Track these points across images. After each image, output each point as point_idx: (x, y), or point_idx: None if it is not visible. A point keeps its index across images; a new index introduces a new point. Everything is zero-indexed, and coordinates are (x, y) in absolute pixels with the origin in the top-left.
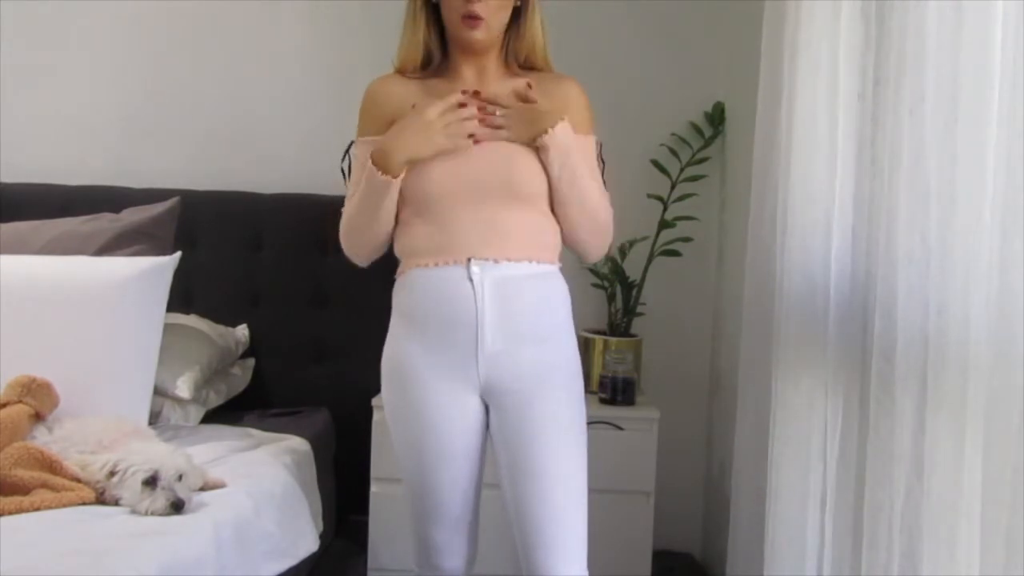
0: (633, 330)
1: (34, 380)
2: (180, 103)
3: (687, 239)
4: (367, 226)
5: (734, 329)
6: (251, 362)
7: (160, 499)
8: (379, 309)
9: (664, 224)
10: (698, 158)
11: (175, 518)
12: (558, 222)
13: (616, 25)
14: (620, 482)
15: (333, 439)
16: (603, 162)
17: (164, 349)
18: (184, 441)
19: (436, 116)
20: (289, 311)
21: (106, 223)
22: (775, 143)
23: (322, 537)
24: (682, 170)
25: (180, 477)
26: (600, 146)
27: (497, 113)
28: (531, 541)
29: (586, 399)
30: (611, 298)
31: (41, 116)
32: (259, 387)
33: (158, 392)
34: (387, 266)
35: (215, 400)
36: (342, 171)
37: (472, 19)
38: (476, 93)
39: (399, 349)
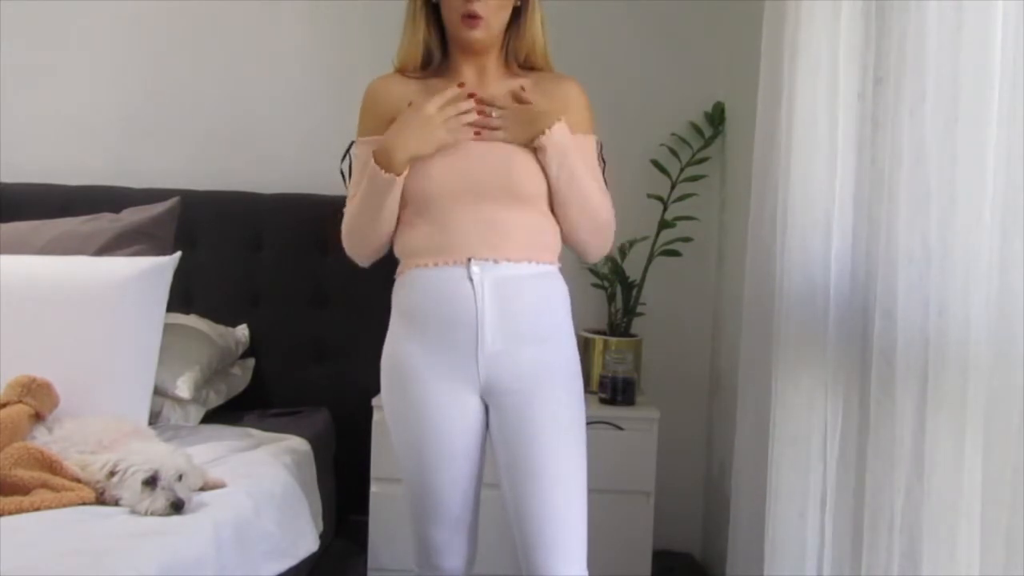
0: (633, 330)
1: (34, 380)
2: (180, 103)
3: (687, 239)
4: (369, 226)
5: (734, 329)
6: (251, 362)
7: (160, 499)
8: (379, 309)
9: (664, 224)
10: (698, 158)
11: (175, 518)
12: (558, 222)
13: (616, 25)
14: (620, 482)
15: (333, 439)
16: (604, 161)
17: (164, 349)
18: (184, 441)
19: (435, 111)
20: (289, 311)
21: (106, 223)
22: (775, 143)
23: (322, 537)
24: (682, 170)
25: (180, 477)
26: (601, 146)
27: (493, 115)
28: (531, 541)
29: (586, 399)
30: (611, 298)
31: (41, 116)
32: (259, 387)
33: (158, 392)
34: (387, 266)
35: (215, 400)
36: (341, 172)
37: (472, 18)
38: (472, 95)
39: (399, 349)
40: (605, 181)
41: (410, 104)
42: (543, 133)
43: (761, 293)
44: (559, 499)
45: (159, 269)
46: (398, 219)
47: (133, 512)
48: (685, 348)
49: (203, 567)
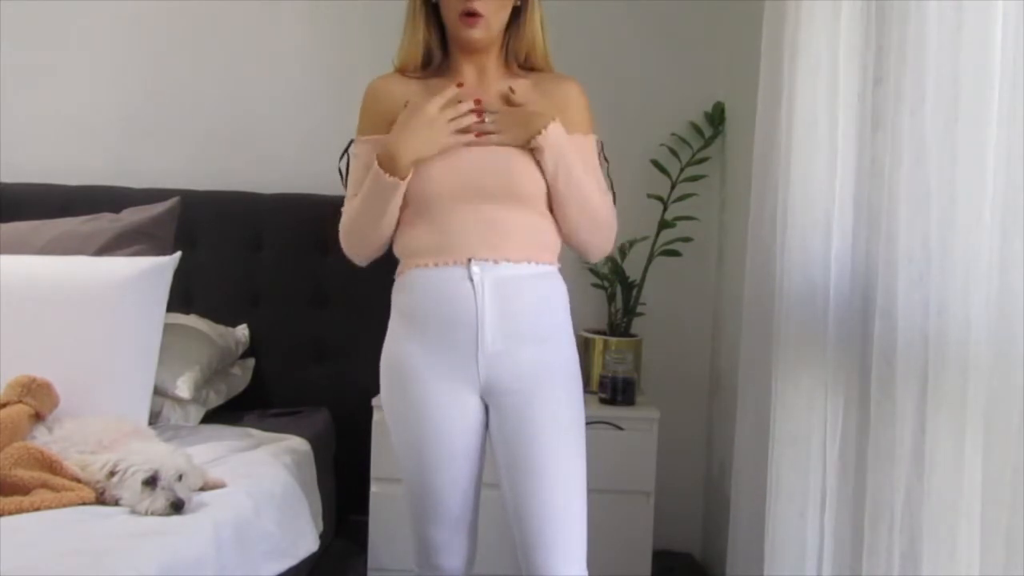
0: (633, 330)
1: (34, 380)
2: (180, 103)
3: (687, 239)
4: (371, 228)
5: (734, 329)
6: (251, 362)
7: (160, 499)
8: (379, 309)
9: (664, 224)
10: (698, 158)
11: (175, 518)
12: (558, 223)
13: (616, 25)
14: (620, 482)
15: (333, 439)
16: (607, 161)
17: (164, 349)
18: (184, 441)
19: (437, 112)
20: (289, 311)
21: (106, 223)
22: (775, 143)
23: (322, 537)
24: (682, 170)
25: (180, 477)
26: (602, 145)
27: (487, 119)
28: (531, 541)
29: (586, 399)
30: (611, 298)
31: (41, 116)
32: (259, 387)
33: (158, 392)
34: (387, 266)
35: (215, 400)
36: (339, 171)
37: (471, 17)
38: (476, 101)
39: (399, 349)
40: (610, 180)
41: (407, 105)
42: (539, 133)
43: (761, 293)
44: (559, 499)
45: (159, 269)
46: (398, 219)
47: (133, 512)
48: (685, 348)
49: (203, 567)
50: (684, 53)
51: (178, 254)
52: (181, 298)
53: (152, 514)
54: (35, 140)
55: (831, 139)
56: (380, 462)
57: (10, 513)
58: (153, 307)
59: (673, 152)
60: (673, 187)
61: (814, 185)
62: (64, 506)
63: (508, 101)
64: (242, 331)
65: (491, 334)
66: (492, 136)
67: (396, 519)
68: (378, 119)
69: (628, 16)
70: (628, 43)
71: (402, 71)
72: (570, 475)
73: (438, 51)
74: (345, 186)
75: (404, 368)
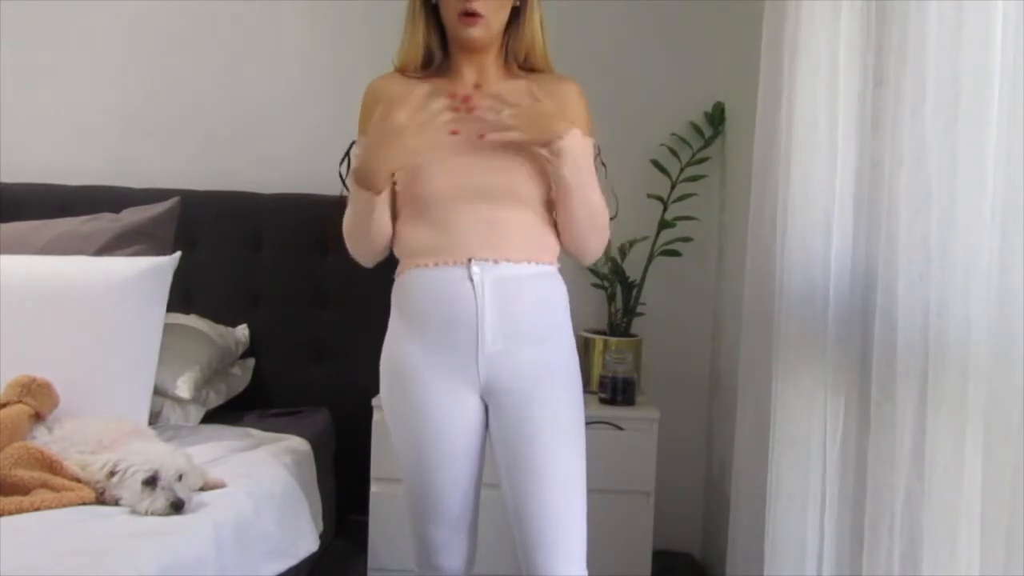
0: (633, 330)
1: (34, 380)
2: (180, 103)
3: (687, 239)
4: (364, 235)
5: (734, 329)
6: (251, 362)
7: (160, 499)
8: (379, 309)
9: (664, 224)
10: (698, 158)
11: (175, 518)
12: (561, 226)
13: (616, 25)
14: (620, 482)
15: (333, 439)
16: (604, 165)
17: (164, 349)
18: (184, 441)
19: (406, 119)
20: (289, 311)
21: (106, 223)
22: (775, 143)
23: (322, 537)
24: (682, 170)
25: (180, 477)
26: (598, 149)
27: (504, 113)
28: (531, 541)
29: (586, 399)
30: (611, 298)
31: (41, 116)
32: (259, 387)
33: (158, 392)
34: (387, 266)
35: (215, 400)
36: (340, 174)
37: (470, 16)
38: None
39: (399, 349)
40: (610, 184)
41: (379, 113)
42: (560, 138)
43: (761, 293)
44: (559, 499)
45: (159, 269)
46: (398, 219)
47: (133, 512)
48: (685, 348)
49: (203, 567)
50: (684, 53)
51: (178, 254)
52: (181, 298)
53: (152, 514)
54: (35, 140)
55: (831, 139)
56: (380, 462)
57: (10, 513)
58: (153, 307)
59: (673, 152)
60: (673, 187)
61: (814, 185)
62: (64, 506)
63: (526, 98)
64: (242, 331)
65: (491, 334)
66: (510, 133)
67: (396, 519)
68: None
69: (628, 16)
70: (628, 43)
71: (402, 71)
72: (570, 475)
73: (438, 51)
74: (346, 189)
75: (404, 368)
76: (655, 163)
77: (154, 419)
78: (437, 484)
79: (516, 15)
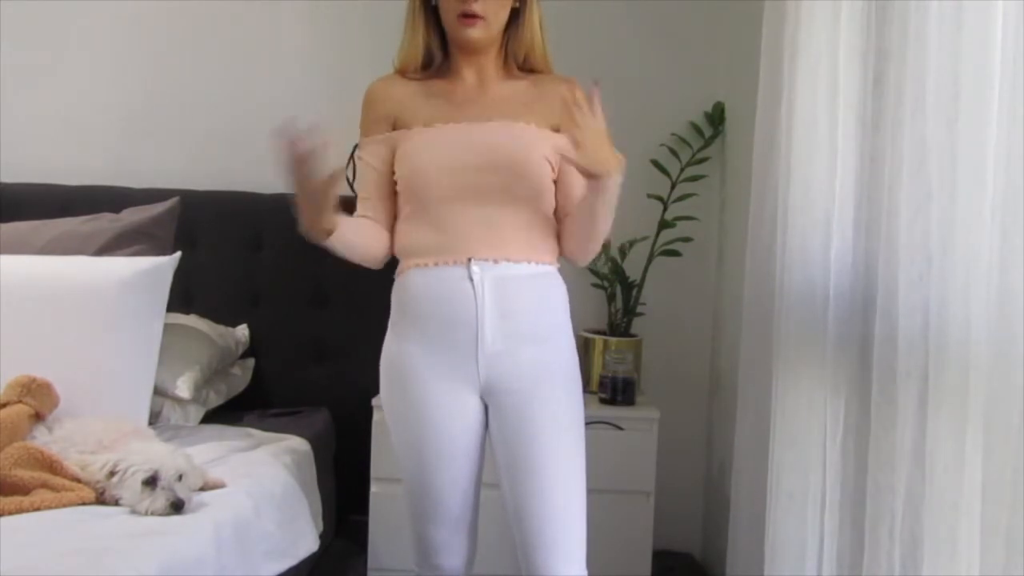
0: (633, 330)
1: (34, 380)
2: (180, 103)
3: (687, 239)
4: (356, 259)
5: (734, 329)
6: (251, 362)
7: (160, 499)
8: (379, 309)
9: (664, 224)
10: (698, 158)
11: (175, 518)
12: (567, 233)
13: (616, 25)
14: (620, 482)
15: (333, 439)
16: None
17: (164, 349)
18: (184, 441)
19: (289, 182)
20: (289, 311)
21: (106, 223)
22: (775, 143)
23: (322, 537)
24: (682, 170)
25: (180, 477)
26: None
27: (577, 115)
28: (530, 541)
29: (586, 399)
30: (611, 298)
31: (41, 116)
32: (259, 387)
33: (158, 392)
34: (387, 266)
35: (215, 400)
36: (347, 179)
37: (469, 18)
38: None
39: (399, 349)
40: None
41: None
42: (610, 175)
43: (761, 293)
44: (559, 499)
45: (159, 269)
46: (398, 218)
47: (133, 512)
48: (685, 348)
49: (203, 567)
50: (684, 53)
51: (178, 254)
52: (181, 298)
53: (152, 514)
54: (35, 140)
55: (831, 139)
56: (380, 462)
57: (10, 513)
58: (153, 307)
59: (673, 152)
60: (673, 187)
61: (814, 185)
62: (64, 506)
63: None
64: (242, 331)
65: (491, 334)
66: (567, 147)
67: (396, 519)
68: (377, 121)
69: (628, 16)
70: (628, 43)
71: (402, 72)
72: (570, 475)
73: (438, 52)
74: (353, 192)
75: (404, 368)
76: (655, 163)
77: (154, 419)
78: (437, 484)
79: (515, 16)
